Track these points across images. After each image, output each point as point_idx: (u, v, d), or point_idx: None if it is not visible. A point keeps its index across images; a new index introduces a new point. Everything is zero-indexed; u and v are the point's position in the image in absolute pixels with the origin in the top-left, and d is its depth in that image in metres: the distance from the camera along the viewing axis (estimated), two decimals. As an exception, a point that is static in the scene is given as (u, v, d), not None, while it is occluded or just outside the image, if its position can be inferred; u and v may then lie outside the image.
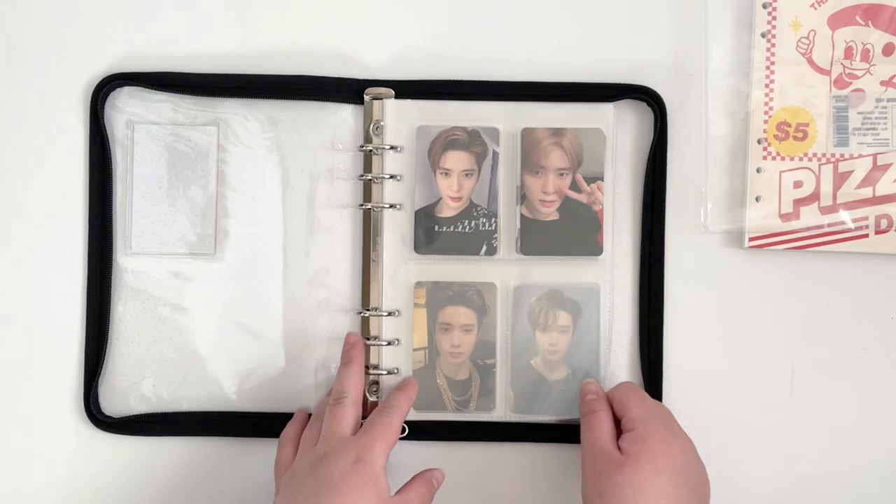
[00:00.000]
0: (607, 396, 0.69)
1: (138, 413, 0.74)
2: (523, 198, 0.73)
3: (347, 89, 0.74)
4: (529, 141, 0.73)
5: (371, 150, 0.74)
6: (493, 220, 0.73)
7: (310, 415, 0.71)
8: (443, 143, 0.73)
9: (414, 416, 0.73)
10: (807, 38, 0.73)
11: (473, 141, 0.73)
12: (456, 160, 0.73)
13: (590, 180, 0.73)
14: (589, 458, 0.65)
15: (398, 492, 0.65)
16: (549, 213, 0.73)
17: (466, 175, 0.73)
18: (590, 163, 0.73)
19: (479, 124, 0.73)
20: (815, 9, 0.73)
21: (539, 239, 0.73)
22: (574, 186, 0.73)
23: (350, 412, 0.66)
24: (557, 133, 0.73)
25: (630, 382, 0.71)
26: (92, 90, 0.73)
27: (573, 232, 0.73)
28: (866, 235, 0.73)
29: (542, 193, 0.73)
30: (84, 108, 0.74)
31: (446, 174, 0.73)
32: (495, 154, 0.73)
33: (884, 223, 0.72)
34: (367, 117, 0.74)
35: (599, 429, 0.66)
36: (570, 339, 0.73)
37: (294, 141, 0.74)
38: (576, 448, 0.70)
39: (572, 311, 0.73)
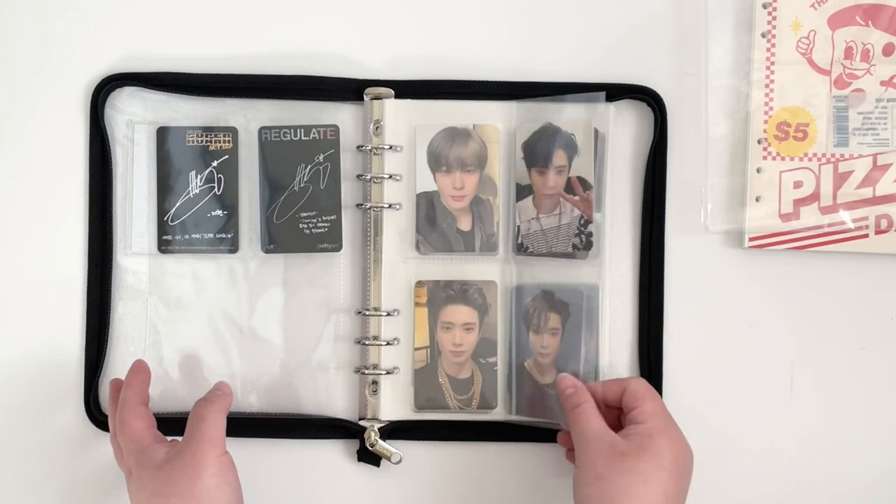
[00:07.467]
0: (602, 386, 0.68)
1: (138, 413, 0.74)
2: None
3: (347, 89, 0.74)
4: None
5: (371, 150, 0.74)
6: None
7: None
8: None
9: (416, 415, 0.73)
10: (807, 38, 0.73)
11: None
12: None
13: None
14: (584, 445, 0.64)
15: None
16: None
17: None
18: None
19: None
20: (816, 9, 0.73)
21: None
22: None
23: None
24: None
25: (643, 379, 0.69)
26: (92, 90, 0.73)
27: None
28: (866, 235, 0.73)
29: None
30: (84, 109, 0.74)
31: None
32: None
33: (884, 223, 0.72)
34: (367, 117, 0.74)
35: (588, 418, 0.65)
36: (560, 342, 0.73)
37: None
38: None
39: (562, 312, 0.73)
